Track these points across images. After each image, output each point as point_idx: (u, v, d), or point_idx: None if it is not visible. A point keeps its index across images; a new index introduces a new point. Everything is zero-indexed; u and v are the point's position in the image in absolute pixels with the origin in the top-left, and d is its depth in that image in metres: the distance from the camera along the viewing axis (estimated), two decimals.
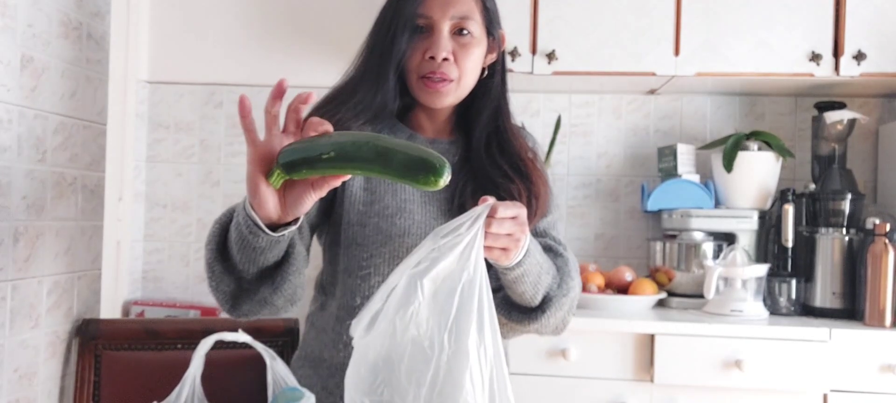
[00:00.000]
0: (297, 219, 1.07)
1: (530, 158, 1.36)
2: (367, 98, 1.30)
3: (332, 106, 1.30)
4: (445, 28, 1.30)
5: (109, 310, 2.45)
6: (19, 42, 1.76)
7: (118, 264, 2.55)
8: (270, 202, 1.02)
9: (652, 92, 2.66)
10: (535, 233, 1.37)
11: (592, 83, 2.54)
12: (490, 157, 1.34)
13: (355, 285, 1.31)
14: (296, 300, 1.20)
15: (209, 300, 2.72)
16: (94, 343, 1.93)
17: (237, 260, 1.10)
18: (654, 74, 2.37)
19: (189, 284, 2.75)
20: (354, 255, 1.31)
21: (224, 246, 1.13)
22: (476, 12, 1.32)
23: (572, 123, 2.71)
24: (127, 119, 2.56)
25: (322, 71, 2.70)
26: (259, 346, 1.52)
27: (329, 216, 1.36)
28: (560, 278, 1.30)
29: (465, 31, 1.30)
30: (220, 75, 2.75)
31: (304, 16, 2.72)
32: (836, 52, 2.30)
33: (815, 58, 2.30)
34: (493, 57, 1.38)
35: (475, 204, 1.13)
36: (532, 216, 1.31)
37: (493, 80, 1.38)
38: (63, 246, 1.95)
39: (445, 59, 1.29)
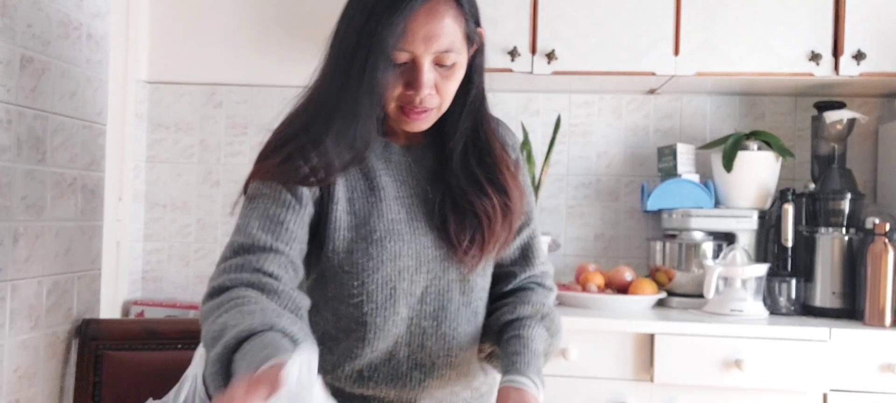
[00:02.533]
0: None
1: (510, 170, 1.30)
2: (347, 136, 1.19)
3: (305, 139, 1.21)
4: (427, 63, 1.17)
5: (109, 310, 2.45)
6: (19, 42, 1.76)
7: (118, 264, 2.55)
8: None
9: (652, 92, 2.66)
10: (520, 249, 1.37)
11: (592, 83, 2.54)
12: (466, 167, 1.27)
13: (346, 311, 1.25)
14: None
15: None
16: (93, 344, 1.93)
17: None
18: (653, 74, 2.37)
19: (189, 284, 2.75)
20: (344, 282, 1.24)
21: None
22: (458, 37, 1.19)
23: (572, 123, 2.71)
24: (127, 119, 2.56)
25: None
26: None
27: (314, 241, 1.25)
28: (551, 337, 1.32)
29: (447, 64, 1.19)
30: (220, 75, 2.74)
31: (303, 16, 2.72)
32: (836, 51, 2.30)
33: (815, 57, 2.30)
34: (471, 51, 1.26)
35: (456, 223, 1.21)
36: (508, 231, 1.28)
37: (471, 85, 1.27)
38: (63, 247, 1.95)
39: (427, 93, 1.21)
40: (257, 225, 1.17)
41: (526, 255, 1.37)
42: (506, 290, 1.37)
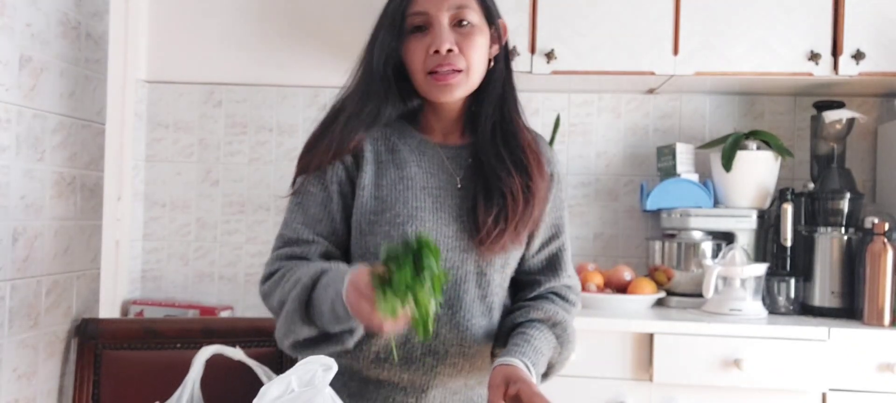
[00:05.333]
0: None
1: (534, 152, 1.36)
2: (357, 109, 1.32)
3: (332, 122, 1.34)
4: (444, 20, 1.28)
5: (108, 310, 2.45)
6: (18, 41, 1.76)
7: (117, 263, 2.55)
8: None
9: (651, 91, 2.66)
10: (547, 259, 1.43)
11: (591, 82, 2.54)
12: (494, 147, 1.34)
13: None
14: None
15: (208, 299, 2.72)
16: (93, 343, 1.93)
17: (329, 329, 1.22)
18: (653, 74, 2.37)
19: (188, 283, 2.75)
20: (368, 264, 1.29)
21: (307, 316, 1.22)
22: (473, 1, 1.30)
23: (571, 123, 2.71)
24: (126, 118, 2.56)
25: (322, 71, 2.70)
26: (254, 364, 1.54)
27: (346, 226, 1.36)
28: (560, 346, 1.36)
29: (464, 23, 1.29)
30: (220, 75, 2.74)
31: (303, 16, 2.72)
32: (835, 51, 2.31)
33: (814, 57, 2.30)
34: (496, 48, 1.36)
35: (485, 204, 1.25)
36: (530, 215, 1.33)
37: (496, 71, 1.37)
38: (62, 246, 1.95)
39: (450, 50, 1.28)
40: (299, 220, 1.33)
41: (552, 266, 1.43)
42: (529, 297, 1.42)
